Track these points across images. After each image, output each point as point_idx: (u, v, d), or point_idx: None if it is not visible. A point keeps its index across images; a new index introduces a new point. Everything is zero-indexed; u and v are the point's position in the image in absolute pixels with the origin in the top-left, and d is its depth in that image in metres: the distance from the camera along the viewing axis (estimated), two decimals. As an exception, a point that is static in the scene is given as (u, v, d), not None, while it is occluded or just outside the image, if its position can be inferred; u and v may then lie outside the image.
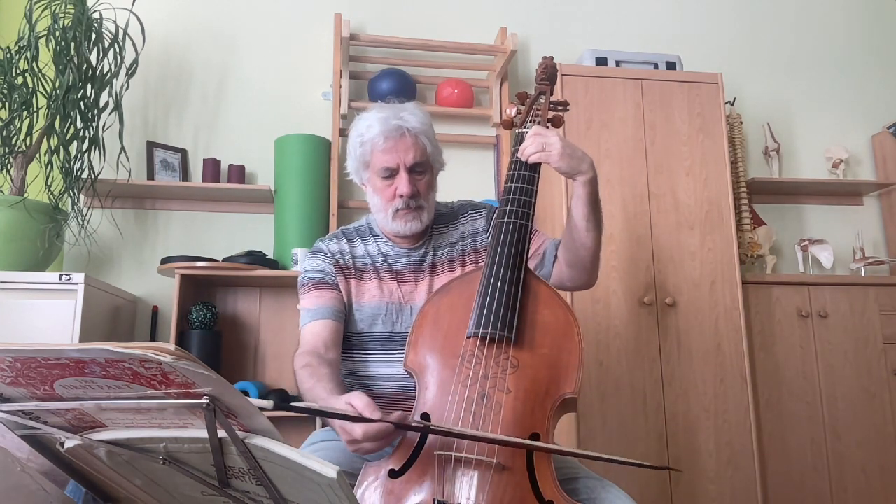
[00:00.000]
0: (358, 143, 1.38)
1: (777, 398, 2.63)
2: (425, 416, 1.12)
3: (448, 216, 1.49)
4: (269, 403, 0.73)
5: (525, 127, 1.41)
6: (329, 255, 1.42)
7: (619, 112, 2.64)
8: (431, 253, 1.43)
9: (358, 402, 1.00)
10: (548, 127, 1.41)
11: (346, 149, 1.43)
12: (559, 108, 1.49)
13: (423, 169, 1.38)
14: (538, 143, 1.29)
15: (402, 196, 1.35)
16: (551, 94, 1.50)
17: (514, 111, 1.47)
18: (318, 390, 1.15)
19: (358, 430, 0.98)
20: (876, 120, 3.37)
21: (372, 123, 1.36)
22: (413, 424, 1.03)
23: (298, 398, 2.55)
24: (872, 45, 3.50)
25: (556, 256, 1.42)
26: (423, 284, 1.39)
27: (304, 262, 1.47)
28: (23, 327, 2.08)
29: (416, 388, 1.17)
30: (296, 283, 1.46)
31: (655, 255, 2.53)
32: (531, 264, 1.40)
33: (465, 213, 1.49)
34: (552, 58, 1.56)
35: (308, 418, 2.44)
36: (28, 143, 2.34)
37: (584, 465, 1.30)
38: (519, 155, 1.33)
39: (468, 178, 2.95)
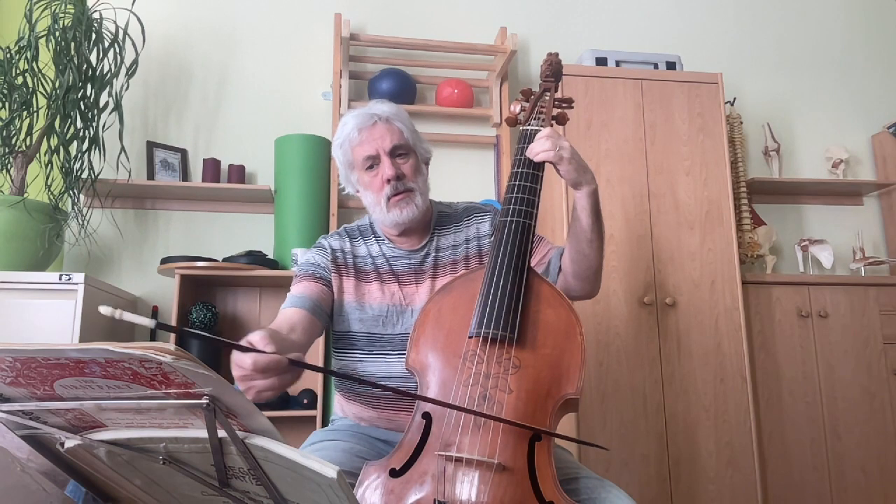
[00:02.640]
0: (338, 145, 1.41)
1: (777, 398, 2.63)
2: (426, 416, 1.12)
3: (451, 218, 1.48)
4: (150, 322, 0.69)
5: (529, 124, 1.38)
6: (329, 250, 1.42)
7: (619, 112, 2.64)
8: (433, 255, 1.42)
9: (254, 336, 0.98)
10: (552, 124, 1.40)
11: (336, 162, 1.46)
12: (564, 104, 1.47)
13: (405, 152, 1.39)
14: (551, 143, 1.26)
15: (388, 180, 1.35)
16: (556, 91, 1.48)
17: (518, 108, 1.45)
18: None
19: (248, 359, 0.94)
20: (876, 120, 3.37)
21: (346, 122, 1.39)
22: (308, 364, 0.98)
23: (297, 398, 2.53)
24: (872, 45, 3.51)
25: (560, 267, 1.41)
26: (423, 286, 1.39)
27: (303, 256, 1.47)
28: (23, 327, 2.08)
29: (417, 387, 1.17)
30: None
31: (655, 255, 2.53)
32: None
33: (470, 216, 1.47)
34: (557, 54, 1.53)
35: (307, 418, 2.44)
36: (28, 143, 2.34)
37: (584, 465, 1.30)
38: (527, 154, 1.30)
39: (468, 178, 2.95)
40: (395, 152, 1.37)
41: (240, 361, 0.95)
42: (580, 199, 1.31)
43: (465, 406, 1.09)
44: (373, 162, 1.37)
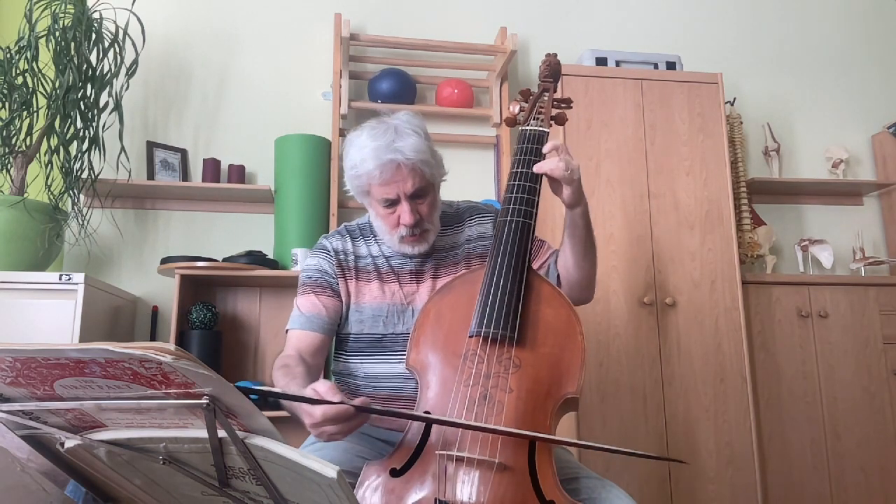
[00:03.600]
0: (353, 175, 1.33)
1: (777, 398, 2.63)
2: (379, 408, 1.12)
3: (453, 218, 1.47)
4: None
5: (528, 125, 1.39)
6: (332, 253, 1.41)
7: (619, 112, 2.63)
8: (434, 256, 1.41)
9: (321, 387, 1.02)
10: (551, 125, 1.40)
11: (343, 169, 1.37)
12: (563, 105, 1.47)
13: (425, 192, 1.34)
14: (564, 164, 1.24)
15: (405, 225, 1.32)
16: (555, 91, 1.48)
17: (517, 108, 1.45)
18: (291, 386, 1.17)
19: (318, 411, 0.99)
20: (876, 120, 3.37)
21: (365, 157, 1.28)
22: (373, 407, 1.03)
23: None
24: (872, 45, 3.50)
25: (559, 274, 1.40)
26: (424, 286, 1.38)
27: (307, 259, 1.46)
28: (23, 327, 2.08)
29: (417, 387, 1.17)
30: (295, 283, 1.47)
31: (655, 255, 2.53)
32: None
33: (472, 217, 1.47)
34: (556, 55, 1.54)
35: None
36: (28, 143, 2.34)
37: (584, 464, 1.30)
38: (536, 169, 1.28)
39: (468, 179, 2.94)
40: (416, 194, 1.32)
41: (310, 411, 1.01)
42: (576, 218, 1.31)
43: (466, 406, 1.09)
44: (391, 202, 1.32)
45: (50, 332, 2.08)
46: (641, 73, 2.71)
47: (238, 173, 2.72)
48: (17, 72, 2.30)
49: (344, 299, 1.39)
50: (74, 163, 2.36)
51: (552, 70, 1.51)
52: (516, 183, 1.30)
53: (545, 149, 1.30)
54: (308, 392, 1.02)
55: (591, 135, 2.59)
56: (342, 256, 1.41)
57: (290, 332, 1.37)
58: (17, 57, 2.29)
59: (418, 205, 1.33)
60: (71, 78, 2.28)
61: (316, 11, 3.00)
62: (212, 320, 2.46)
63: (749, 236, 2.90)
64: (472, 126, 3.02)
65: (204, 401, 0.65)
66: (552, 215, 2.61)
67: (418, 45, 2.88)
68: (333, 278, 1.39)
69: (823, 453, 2.61)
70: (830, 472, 2.60)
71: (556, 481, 1.05)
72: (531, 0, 3.20)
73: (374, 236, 1.45)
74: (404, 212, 1.31)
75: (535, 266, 1.41)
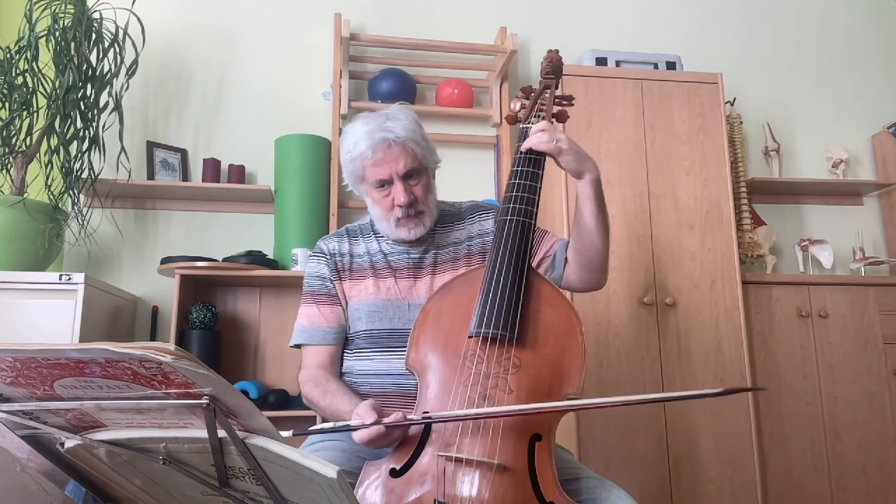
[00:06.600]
0: (348, 159, 1.37)
1: (777, 398, 2.63)
2: (426, 417, 1.12)
3: (454, 216, 1.48)
4: (288, 434, 0.80)
5: (529, 122, 1.39)
6: (328, 256, 1.44)
7: (619, 112, 2.63)
8: (433, 251, 1.42)
9: (361, 409, 1.12)
10: (553, 122, 1.40)
11: (341, 164, 1.42)
12: (564, 102, 1.46)
13: (418, 173, 1.36)
14: (548, 136, 1.28)
15: (400, 206, 1.35)
16: (556, 89, 1.47)
17: (518, 106, 1.45)
18: (336, 404, 1.26)
19: (356, 436, 1.08)
20: (876, 120, 3.37)
21: (358, 139, 1.34)
22: (402, 422, 1.09)
23: (298, 399, 2.54)
24: (872, 45, 3.51)
25: (566, 259, 1.41)
26: (423, 282, 1.39)
27: (307, 263, 1.48)
28: (23, 327, 2.08)
29: (417, 386, 1.17)
30: (295, 283, 1.50)
31: (655, 255, 2.53)
32: (542, 268, 1.41)
33: (473, 214, 1.48)
34: (557, 51, 1.53)
35: (307, 418, 2.44)
36: (28, 143, 2.34)
37: (585, 464, 1.30)
38: (522, 147, 1.31)
39: (468, 178, 2.94)
40: (409, 175, 1.35)
41: (353, 436, 1.13)
42: (583, 188, 1.32)
43: (466, 407, 1.09)
44: (385, 183, 1.35)
45: (50, 332, 2.08)
46: (641, 73, 2.71)
47: (238, 173, 2.72)
48: (17, 72, 2.30)
49: (343, 300, 1.41)
50: (74, 163, 2.36)
51: (554, 66, 1.50)
52: (516, 182, 1.31)
53: (533, 129, 1.31)
54: (353, 417, 1.12)
55: (591, 135, 2.59)
56: (337, 258, 1.43)
57: (304, 349, 1.41)
58: (17, 57, 2.29)
59: (412, 186, 1.36)
60: (71, 78, 2.28)
61: (316, 11, 3.00)
62: (212, 320, 2.46)
63: (749, 236, 2.90)
64: (472, 126, 3.02)
65: (204, 401, 0.65)
66: (552, 212, 2.61)
67: (418, 45, 2.88)
68: (331, 283, 1.42)
69: (823, 453, 2.61)
70: (830, 472, 2.60)
71: (555, 482, 1.05)
72: (531, 0, 3.20)
73: (374, 233, 1.46)
74: (398, 192, 1.34)
75: (539, 252, 1.43)
